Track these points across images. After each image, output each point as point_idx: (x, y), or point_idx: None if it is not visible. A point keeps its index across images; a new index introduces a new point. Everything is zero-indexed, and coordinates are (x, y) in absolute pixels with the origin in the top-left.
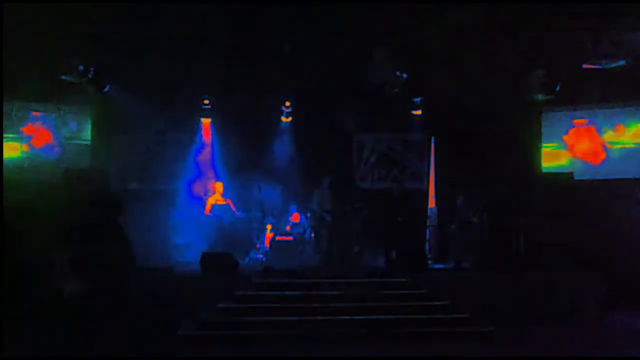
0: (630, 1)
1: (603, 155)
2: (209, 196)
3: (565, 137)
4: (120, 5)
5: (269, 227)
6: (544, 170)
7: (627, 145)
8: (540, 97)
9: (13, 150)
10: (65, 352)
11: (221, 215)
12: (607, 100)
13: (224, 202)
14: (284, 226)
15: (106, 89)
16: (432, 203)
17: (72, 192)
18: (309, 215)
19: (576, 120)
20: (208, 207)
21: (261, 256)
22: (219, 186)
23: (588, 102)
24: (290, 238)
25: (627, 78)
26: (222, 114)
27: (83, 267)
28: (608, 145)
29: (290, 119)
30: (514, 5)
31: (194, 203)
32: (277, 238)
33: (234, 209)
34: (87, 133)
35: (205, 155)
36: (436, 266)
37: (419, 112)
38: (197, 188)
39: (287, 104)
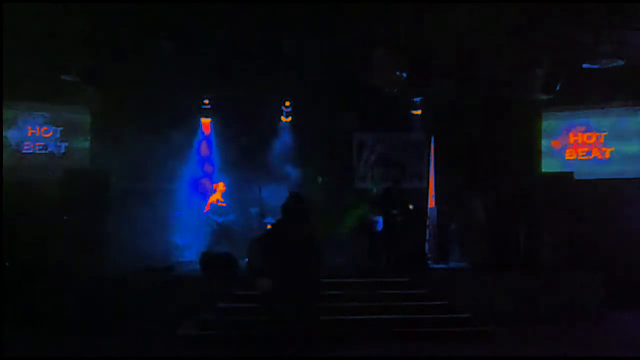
0: (631, 1)
1: (603, 155)
2: (211, 195)
3: (565, 137)
4: (120, 5)
5: (269, 227)
6: (544, 171)
7: (627, 145)
8: (540, 97)
9: (13, 150)
10: (66, 352)
11: (215, 217)
12: (607, 100)
13: (223, 204)
14: None
15: (106, 89)
16: (432, 203)
17: (72, 192)
18: None
19: (576, 121)
20: (208, 206)
21: None
22: (222, 186)
23: (588, 102)
24: None
25: (626, 78)
26: (222, 114)
27: (274, 266)
28: (608, 146)
29: (290, 119)
30: (514, 5)
31: (194, 203)
32: None
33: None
34: (87, 133)
35: (205, 155)
36: (436, 266)
37: (419, 112)
38: (197, 188)
39: (287, 104)
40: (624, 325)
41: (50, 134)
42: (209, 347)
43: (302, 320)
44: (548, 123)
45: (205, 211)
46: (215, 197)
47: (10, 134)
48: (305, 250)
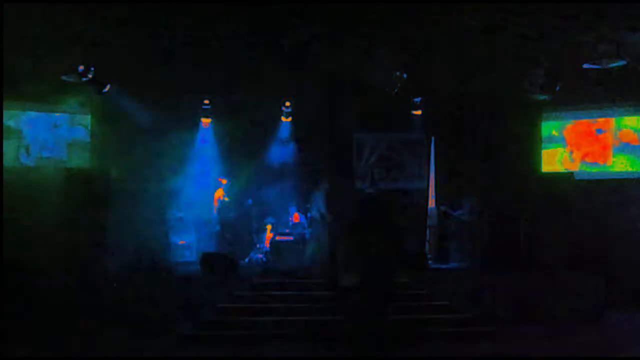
0: (630, 1)
1: (603, 155)
2: (217, 189)
3: (565, 137)
4: (120, 5)
5: (269, 227)
6: (544, 171)
7: (627, 145)
8: (540, 97)
9: (13, 150)
10: (66, 351)
11: (222, 215)
12: (607, 100)
13: (226, 199)
14: (284, 226)
15: (106, 89)
16: (432, 203)
17: (72, 192)
18: (309, 215)
19: (576, 121)
20: (215, 200)
21: (261, 256)
22: (224, 182)
23: (588, 102)
24: (290, 238)
25: (627, 78)
26: (222, 114)
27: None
28: (608, 145)
29: (290, 119)
30: (515, 5)
31: (194, 202)
32: (277, 238)
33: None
34: (87, 133)
35: (205, 155)
36: (436, 266)
37: (419, 112)
38: (197, 188)
39: (287, 104)
40: (623, 325)
41: (51, 135)
42: (209, 347)
43: (379, 317)
44: (548, 123)
45: (215, 203)
46: (220, 192)
47: (10, 134)
48: (387, 247)
